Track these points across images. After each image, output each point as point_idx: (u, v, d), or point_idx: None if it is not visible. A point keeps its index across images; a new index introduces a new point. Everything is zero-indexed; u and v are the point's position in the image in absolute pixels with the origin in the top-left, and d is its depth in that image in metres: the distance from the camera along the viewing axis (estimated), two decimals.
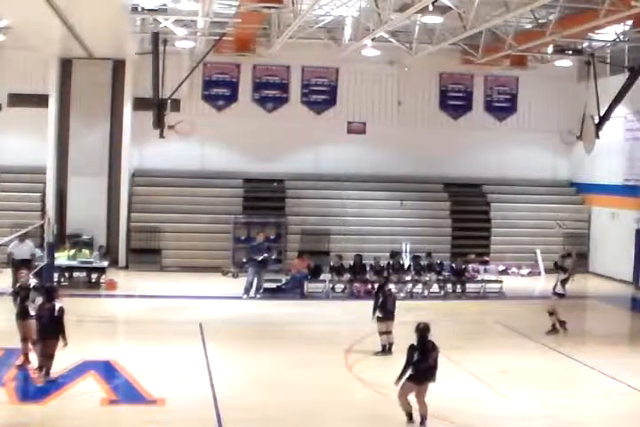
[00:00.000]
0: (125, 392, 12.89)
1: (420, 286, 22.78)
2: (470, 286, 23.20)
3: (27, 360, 13.76)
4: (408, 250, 25.14)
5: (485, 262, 25.07)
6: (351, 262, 22.93)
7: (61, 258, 21.85)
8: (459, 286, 23.13)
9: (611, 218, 27.05)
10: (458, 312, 21.17)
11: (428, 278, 22.74)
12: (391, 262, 22.89)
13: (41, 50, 24.55)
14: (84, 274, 22.42)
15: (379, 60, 26.70)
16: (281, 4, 17.39)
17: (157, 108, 22.95)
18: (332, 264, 22.89)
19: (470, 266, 23.86)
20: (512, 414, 12.20)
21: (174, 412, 11.96)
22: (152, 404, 12.29)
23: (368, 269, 22.71)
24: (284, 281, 22.86)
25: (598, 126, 24.26)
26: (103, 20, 19.29)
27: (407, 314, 20.09)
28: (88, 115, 25.86)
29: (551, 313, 17.91)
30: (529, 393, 13.19)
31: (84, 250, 22.85)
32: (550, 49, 25.09)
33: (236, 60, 27.04)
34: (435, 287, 22.85)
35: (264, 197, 27.41)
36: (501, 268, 25.90)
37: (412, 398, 11.42)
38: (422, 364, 11.41)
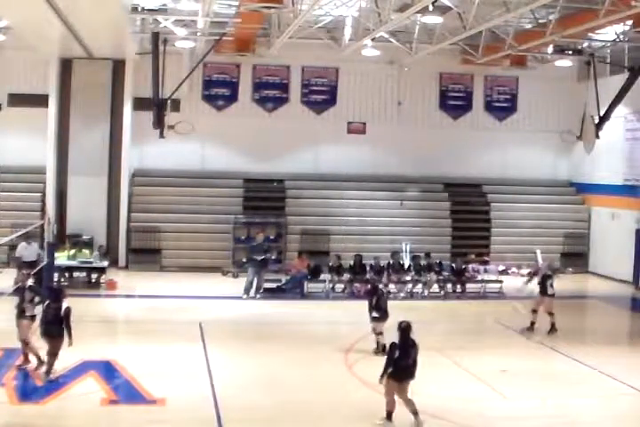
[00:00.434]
0: (125, 392, 12.89)
1: (419, 285, 22.79)
2: (470, 286, 23.21)
3: (26, 360, 13.78)
4: (408, 250, 25.13)
5: (485, 262, 25.05)
6: (351, 262, 22.94)
7: (61, 258, 21.84)
8: (459, 286, 23.14)
9: (611, 218, 27.05)
10: (458, 312, 21.19)
11: (428, 278, 22.74)
12: (391, 262, 22.90)
13: (41, 50, 24.55)
14: (83, 274, 22.43)
15: (379, 60, 26.71)
16: (281, 4, 17.38)
17: (157, 108, 22.93)
18: (330, 264, 22.90)
19: (470, 266, 23.87)
20: (512, 414, 12.20)
21: (174, 412, 11.96)
22: (152, 404, 12.29)
23: (368, 269, 22.71)
24: (283, 281, 22.86)
25: (598, 126, 24.25)
26: (103, 20, 19.29)
27: (407, 314, 20.16)
28: (88, 115, 25.86)
29: (551, 313, 17.91)
30: (529, 393, 13.20)
31: (84, 250, 22.87)
32: (550, 49, 25.11)
33: (235, 60, 27.04)
34: (435, 287, 22.86)
35: (264, 197, 27.40)
36: (501, 268, 25.88)
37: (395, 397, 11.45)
38: (402, 361, 11.48)
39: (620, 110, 24.96)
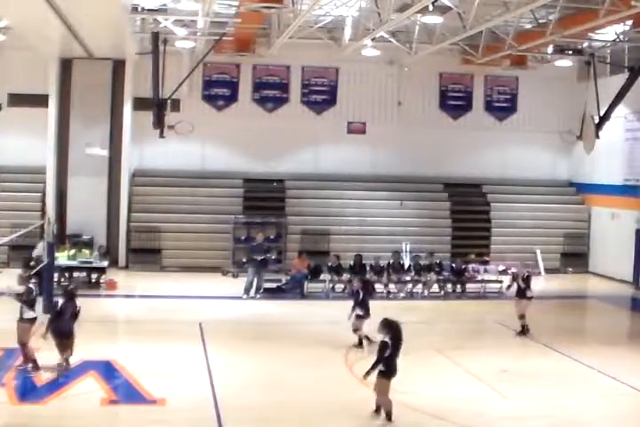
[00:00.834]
0: (125, 392, 12.90)
1: (419, 285, 22.79)
2: (470, 286, 23.21)
3: (26, 361, 13.74)
4: (408, 250, 25.14)
5: (485, 262, 25.05)
6: (351, 262, 22.93)
7: (61, 258, 21.84)
8: (459, 286, 23.14)
9: (611, 218, 27.06)
10: (458, 312, 21.19)
11: (427, 278, 22.75)
12: (391, 262, 22.90)
13: (41, 50, 24.55)
14: (83, 274, 22.42)
15: (379, 60, 26.72)
16: (281, 4, 17.39)
17: (157, 108, 22.93)
18: (329, 264, 22.90)
19: (470, 266, 23.86)
20: (512, 414, 12.20)
21: (174, 412, 11.96)
22: (152, 404, 12.30)
23: (368, 269, 22.72)
24: (283, 281, 22.86)
25: (598, 126, 24.24)
26: (103, 20, 19.29)
27: (407, 314, 20.17)
28: (88, 115, 25.86)
29: (523, 316, 17.71)
30: (529, 393, 13.20)
31: (83, 250, 22.86)
32: (550, 49, 25.11)
33: (235, 60, 27.04)
34: (435, 287, 22.86)
35: (264, 197, 27.40)
36: (501, 268, 25.85)
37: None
38: (393, 360, 11.53)
39: (620, 110, 24.96)
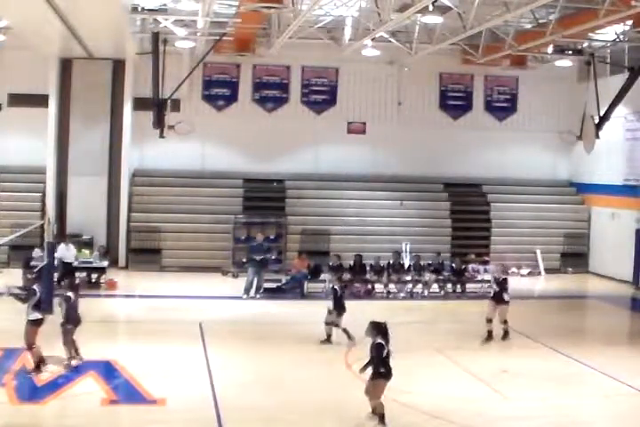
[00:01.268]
0: (125, 392, 12.89)
1: (419, 285, 22.79)
2: (470, 286, 23.21)
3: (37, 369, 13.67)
4: (408, 250, 25.14)
5: (485, 262, 25.05)
6: (351, 262, 22.94)
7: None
8: (459, 286, 23.14)
9: (611, 218, 27.05)
10: (458, 312, 21.18)
11: (427, 278, 22.75)
12: (391, 262, 22.90)
13: (41, 50, 24.56)
14: (83, 274, 22.42)
15: (379, 60, 26.71)
16: (281, 4, 17.38)
17: (157, 108, 22.95)
18: (330, 264, 22.90)
19: (470, 266, 23.89)
20: (512, 414, 12.20)
21: (174, 412, 11.96)
22: (152, 404, 12.29)
23: (368, 269, 22.72)
24: (283, 281, 22.87)
25: (598, 126, 24.23)
26: (103, 20, 19.29)
27: (407, 314, 20.21)
28: (88, 115, 25.88)
29: (505, 321, 17.08)
30: (529, 393, 13.20)
31: (84, 250, 22.90)
32: (550, 49, 25.10)
33: (235, 60, 27.05)
34: (435, 287, 22.86)
35: (264, 197, 27.39)
36: None
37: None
38: (388, 360, 11.50)
39: (620, 110, 24.95)
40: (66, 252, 21.62)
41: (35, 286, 14.17)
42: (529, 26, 23.18)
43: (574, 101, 27.01)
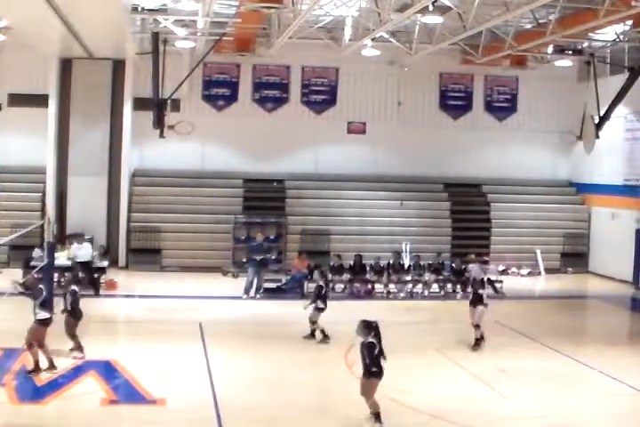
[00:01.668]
0: (125, 392, 12.89)
1: (419, 285, 22.79)
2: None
3: (52, 365, 13.61)
4: (408, 250, 25.14)
5: (485, 262, 25.05)
6: (351, 262, 22.94)
7: (61, 258, 21.82)
8: (459, 286, 23.13)
9: (611, 218, 27.06)
10: (458, 312, 21.10)
11: (427, 278, 22.74)
12: (391, 262, 22.90)
13: (41, 50, 24.55)
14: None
15: (379, 60, 26.71)
16: (281, 4, 17.38)
17: (157, 108, 22.96)
18: (331, 264, 22.91)
19: (470, 266, 23.82)
20: (512, 414, 12.20)
21: (174, 412, 11.96)
22: (152, 404, 12.29)
23: (368, 269, 22.72)
24: (283, 281, 22.87)
25: (598, 126, 24.26)
26: (103, 20, 19.29)
27: (407, 314, 20.22)
28: (88, 115, 25.88)
29: (477, 326, 16.29)
30: (529, 393, 13.20)
31: None
32: (550, 49, 25.12)
33: (235, 60, 27.05)
34: (435, 287, 22.86)
35: (264, 197, 27.40)
36: (501, 268, 25.90)
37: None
38: (380, 359, 11.49)
39: (620, 110, 24.97)
40: (78, 251, 21.66)
41: (41, 286, 14.18)
42: (529, 26, 23.18)
43: (574, 101, 27.01)
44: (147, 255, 25.74)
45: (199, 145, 27.43)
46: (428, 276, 22.78)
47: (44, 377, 13.24)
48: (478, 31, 21.72)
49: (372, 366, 11.39)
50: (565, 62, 26.27)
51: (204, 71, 27.40)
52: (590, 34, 23.00)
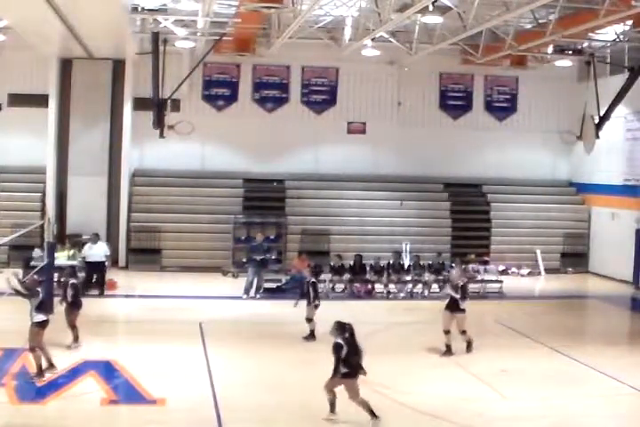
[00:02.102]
0: (125, 392, 12.89)
1: (419, 285, 22.78)
2: (470, 286, 23.12)
3: (51, 366, 13.55)
4: (408, 250, 25.14)
5: (485, 262, 25.05)
6: (351, 262, 22.93)
7: (61, 258, 21.82)
8: (435, 285, 23.04)
9: (611, 218, 27.05)
10: None
11: (427, 278, 22.74)
12: (391, 262, 22.89)
13: (41, 50, 24.55)
14: (84, 274, 22.38)
15: (379, 60, 26.70)
16: (281, 4, 17.36)
17: (157, 108, 22.95)
18: (332, 264, 22.91)
19: (470, 266, 23.85)
20: (512, 414, 12.20)
21: (174, 412, 11.96)
22: (152, 404, 12.29)
23: (368, 269, 22.72)
24: (283, 281, 22.86)
25: (598, 126, 24.26)
26: (103, 20, 19.29)
27: (407, 314, 20.22)
28: (88, 115, 25.88)
29: (464, 331, 15.89)
30: (529, 393, 13.19)
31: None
32: (550, 49, 25.10)
33: (235, 60, 27.04)
34: (435, 287, 22.85)
35: (264, 197, 27.40)
36: (501, 268, 25.88)
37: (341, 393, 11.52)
38: (353, 359, 11.47)
39: (620, 110, 24.97)
40: (89, 251, 21.68)
41: (39, 289, 14.14)
42: (529, 26, 23.18)
43: (574, 101, 27.02)
44: (147, 255, 25.73)
45: (199, 145, 27.42)
46: (427, 276, 22.78)
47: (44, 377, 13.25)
48: (478, 31, 21.72)
49: (342, 367, 11.37)
50: (565, 62, 26.25)
51: (203, 71, 27.40)
52: (590, 34, 22.99)
